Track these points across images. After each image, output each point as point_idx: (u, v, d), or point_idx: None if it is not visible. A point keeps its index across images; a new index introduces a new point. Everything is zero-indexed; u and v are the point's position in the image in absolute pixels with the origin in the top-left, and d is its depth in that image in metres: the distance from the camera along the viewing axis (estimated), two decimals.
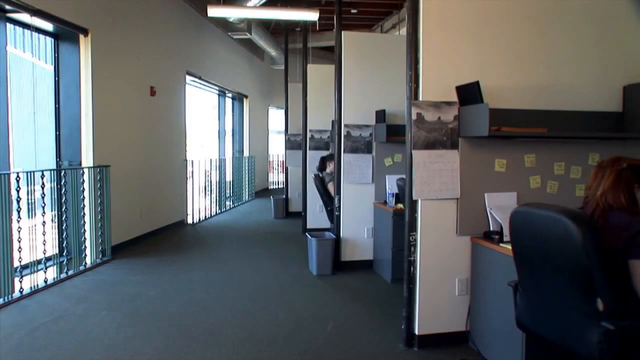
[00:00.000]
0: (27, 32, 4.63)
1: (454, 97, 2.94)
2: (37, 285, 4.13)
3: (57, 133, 5.03)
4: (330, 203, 5.35)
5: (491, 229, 2.93)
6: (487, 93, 2.77)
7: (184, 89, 7.70)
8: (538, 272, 1.98)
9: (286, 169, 8.57)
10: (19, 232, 3.90)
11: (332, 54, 5.81)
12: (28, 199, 4.13)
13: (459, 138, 2.95)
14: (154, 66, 6.56)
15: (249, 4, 7.14)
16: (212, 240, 6.26)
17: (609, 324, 1.73)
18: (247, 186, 10.71)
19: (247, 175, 10.69)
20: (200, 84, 8.83)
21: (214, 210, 8.67)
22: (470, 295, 3.03)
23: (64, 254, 4.84)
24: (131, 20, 5.94)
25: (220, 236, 6.46)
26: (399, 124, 4.49)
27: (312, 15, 6.81)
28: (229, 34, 9.28)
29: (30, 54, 4.84)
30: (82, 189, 4.83)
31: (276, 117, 13.69)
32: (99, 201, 5.02)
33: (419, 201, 2.97)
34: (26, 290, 4.00)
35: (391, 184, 4.72)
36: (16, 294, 3.90)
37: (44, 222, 4.24)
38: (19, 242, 3.90)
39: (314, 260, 4.74)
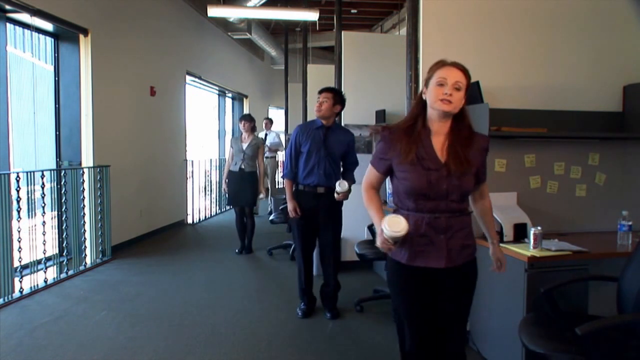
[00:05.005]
0: (27, 32, 4.63)
1: None
2: (37, 285, 4.13)
3: (57, 133, 5.03)
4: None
5: None
6: (487, 93, 2.77)
7: (184, 89, 7.70)
8: None
9: None
10: (19, 232, 3.90)
11: (332, 54, 5.81)
12: (28, 199, 4.14)
13: None
14: (154, 66, 6.56)
15: (249, 4, 7.14)
16: (212, 240, 6.26)
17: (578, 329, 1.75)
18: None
19: None
20: (200, 84, 8.83)
21: (214, 210, 8.67)
22: None
23: (64, 254, 4.84)
24: (131, 20, 5.94)
25: (220, 236, 6.46)
26: None
27: (312, 15, 6.81)
28: (229, 34, 9.28)
29: (30, 54, 4.84)
30: (82, 189, 4.83)
31: (276, 117, 13.68)
32: (99, 201, 5.02)
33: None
34: (26, 290, 4.00)
35: (391, 184, 4.71)
36: (16, 294, 3.89)
37: (44, 222, 4.24)
38: (19, 242, 3.90)
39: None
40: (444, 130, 1.85)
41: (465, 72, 1.82)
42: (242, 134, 5.57)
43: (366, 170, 2.01)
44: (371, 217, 1.96)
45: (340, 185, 3.36)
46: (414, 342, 1.90)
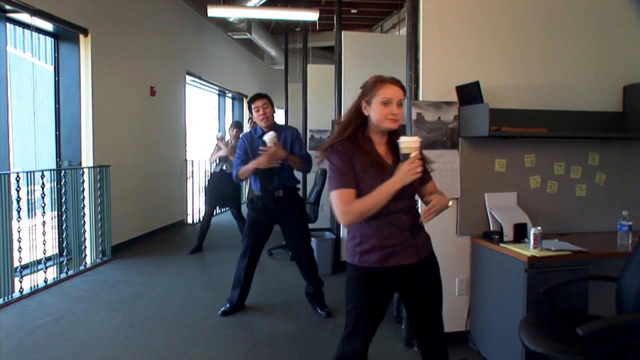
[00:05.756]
0: (27, 32, 4.63)
1: (454, 97, 2.94)
2: (37, 285, 4.13)
3: (57, 133, 5.03)
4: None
5: (491, 229, 2.92)
6: (487, 93, 2.77)
7: (184, 89, 7.70)
8: None
9: None
10: (19, 232, 3.90)
11: (332, 54, 5.80)
12: (28, 199, 4.14)
13: (459, 138, 2.95)
14: (154, 66, 6.55)
15: (249, 4, 7.13)
16: (212, 240, 6.25)
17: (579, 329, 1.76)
18: (247, 186, 10.69)
19: None
20: (200, 84, 8.83)
21: (215, 210, 8.65)
22: (470, 295, 3.02)
23: (64, 254, 4.85)
24: (131, 21, 5.94)
25: (220, 236, 6.45)
26: None
27: (312, 15, 6.80)
28: (229, 34, 9.28)
29: (30, 54, 4.84)
30: (82, 189, 4.83)
31: (276, 117, 13.67)
32: (99, 201, 5.02)
33: (419, 201, 2.96)
34: (26, 290, 4.00)
35: None
36: (16, 294, 3.90)
37: (44, 222, 4.24)
38: (19, 242, 3.90)
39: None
40: (383, 141, 1.97)
41: (404, 88, 1.95)
42: (230, 140, 5.76)
43: (334, 200, 1.86)
44: (380, 195, 1.82)
45: (268, 136, 3.31)
46: (365, 340, 2.03)
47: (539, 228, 2.54)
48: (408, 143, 1.83)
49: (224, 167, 5.60)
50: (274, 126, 3.55)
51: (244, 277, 3.62)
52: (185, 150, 7.79)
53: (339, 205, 1.85)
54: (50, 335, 3.22)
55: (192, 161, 7.98)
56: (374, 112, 1.90)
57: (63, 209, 4.66)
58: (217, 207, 8.80)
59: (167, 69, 7.02)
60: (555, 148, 3.09)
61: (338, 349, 2.11)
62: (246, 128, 7.84)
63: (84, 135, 5.07)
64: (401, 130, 2.00)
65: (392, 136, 1.95)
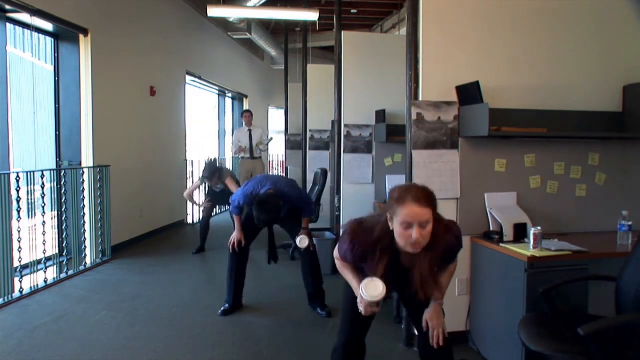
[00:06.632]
0: (27, 32, 4.63)
1: (454, 97, 2.94)
2: (37, 285, 4.13)
3: (57, 133, 5.03)
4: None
5: (491, 229, 2.92)
6: (487, 93, 2.77)
7: (184, 89, 7.70)
8: None
9: (286, 168, 8.57)
10: (19, 232, 3.90)
11: (332, 54, 5.80)
12: (28, 199, 4.14)
13: (459, 138, 2.95)
14: (154, 66, 6.55)
15: (249, 4, 7.13)
16: (213, 240, 6.25)
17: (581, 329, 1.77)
18: None
19: None
20: (200, 84, 8.83)
21: (213, 210, 8.64)
22: (470, 295, 3.02)
23: (64, 254, 4.84)
24: (131, 21, 5.94)
25: (220, 236, 6.44)
26: (399, 124, 4.48)
27: (312, 15, 6.80)
28: (229, 34, 9.28)
29: (30, 54, 4.84)
30: (82, 189, 4.83)
31: (276, 117, 13.68)
32: (99, 201, 5.02)
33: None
34: (26, 290, 4.00)
35: (391, 184, 4.71)
36: (16, 294, 3.90)
37: (44, 222, 4.24)
38: (19, 242, 3.90)
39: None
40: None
41: (429, 204, 1.75)
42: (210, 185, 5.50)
43: (338, 248, 2.05)
44: (348, 281, 2.06)
45: (301, 242, 3.57)
46: (354, 333, 2.20)
47: (539, 228, 2.54)
48: (365, 296, 1.84)
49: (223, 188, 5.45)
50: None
51: (235, 272, 3.66)
52: (185, 151, 7.79)
53: (337, 259, 2.11)
54: (50, 335, 3.22)
55: (192, 161, 7.97)
56: (396, 232, 1.78)
57: (63, 209, 4.66)
58: (217, 206, 8.83)
59: (167, 69, 7.02)
60: (555, 148, 3.09)
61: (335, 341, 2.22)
62: (243, 124, 7.79)
63: (84, 135, 5.07)
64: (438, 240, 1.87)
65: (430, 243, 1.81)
